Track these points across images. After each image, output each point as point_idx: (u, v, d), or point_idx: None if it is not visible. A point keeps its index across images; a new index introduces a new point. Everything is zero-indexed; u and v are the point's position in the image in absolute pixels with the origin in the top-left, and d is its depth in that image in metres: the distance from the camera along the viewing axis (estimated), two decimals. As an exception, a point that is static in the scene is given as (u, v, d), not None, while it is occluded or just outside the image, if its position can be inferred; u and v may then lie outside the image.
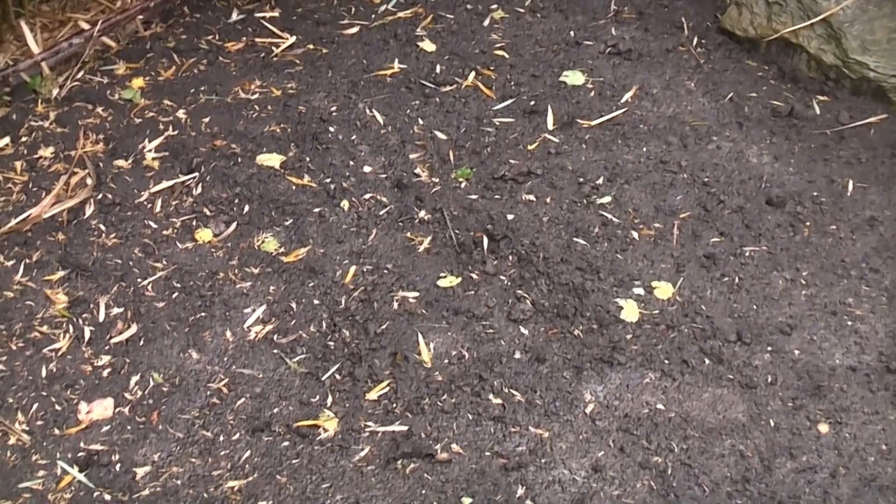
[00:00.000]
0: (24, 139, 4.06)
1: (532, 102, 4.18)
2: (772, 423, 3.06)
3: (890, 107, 4.20)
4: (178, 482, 3.03)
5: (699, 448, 2.97)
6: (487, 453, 2.98)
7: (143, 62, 4.48)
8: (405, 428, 3.11)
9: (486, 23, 4.57)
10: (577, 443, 2.99)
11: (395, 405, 3.12)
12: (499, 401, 3.12)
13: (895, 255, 3.65)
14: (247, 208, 3.76)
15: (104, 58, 4.47)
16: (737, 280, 3.46)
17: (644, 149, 3.95)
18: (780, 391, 3.12)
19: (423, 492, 2.87)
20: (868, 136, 4.03)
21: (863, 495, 2.85)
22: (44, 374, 3.34)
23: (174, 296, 3.48)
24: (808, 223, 3.65)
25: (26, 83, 4.27)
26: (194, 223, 3.72)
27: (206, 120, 4.12)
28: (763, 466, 2.92)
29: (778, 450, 2.98)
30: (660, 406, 3.09)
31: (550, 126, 4.09)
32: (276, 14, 4.70)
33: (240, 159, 3.92)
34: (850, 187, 3.83)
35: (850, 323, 3.32)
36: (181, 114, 4.17)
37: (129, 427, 3.18)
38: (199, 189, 3.83)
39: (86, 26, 4.46)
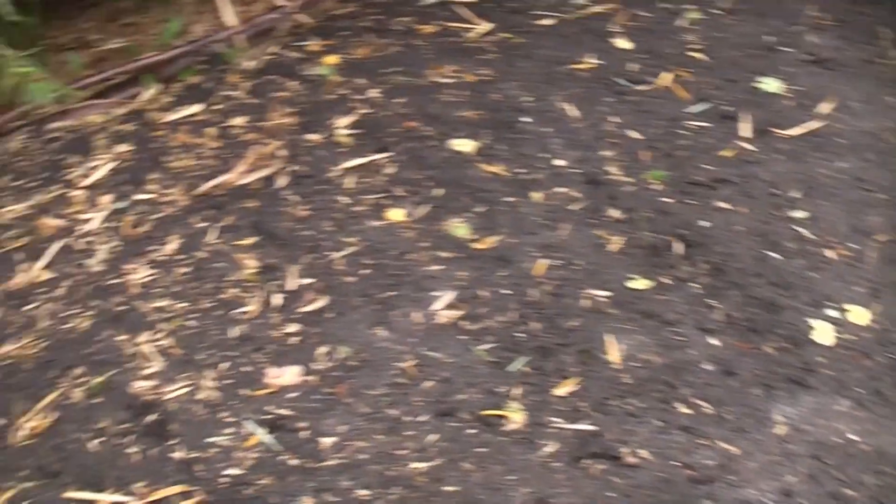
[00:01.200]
0: (216, 107, 4.13)
1: (727, 108, 4.12)
2: (975, 468, 2.90)
3: None
4: (364, 457, 3.09)
5: (893, 486, 2.94)
6: (675, 463, 3.00)
7: (336, 40, 4.52)
8: (593, 428, 3.15)
9: (682, 23, 4.53)
10: (766, 464, 3.02)
11: (583, 403, 3.18)
12: (687, 410, 3.16)
13: None
14: (439, 192, 3.77)
15: (298, 34, 4.53)
16: None
17: (841, 164, 3.90)
18: None
19: (611, 494, 2.88)
20: None
21: None
22: (233, 335, 3.44)
23: (364, 272, 3.58)
24: None
25: (221, 54, 4.33)
26: (386, 202, 3.77)
27: (400, 101, 4.15)
28: (963, 513, 2.80)
29: (980, 497, 2.84)
30: (852, 436, 3.10)
31: (746, 133, 4.04)
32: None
33: (433, 142, 3.96)
34: None
35: None
36: (374, 93, 4.21)
37: (316, 396, 3.26)
38: (392, 169, 3.87)
39: (282, 2, 4.51)
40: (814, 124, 4.08)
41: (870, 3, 4.75)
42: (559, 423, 3.06)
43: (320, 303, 3.52)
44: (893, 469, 2.91)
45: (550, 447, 3.03)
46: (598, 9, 4.66)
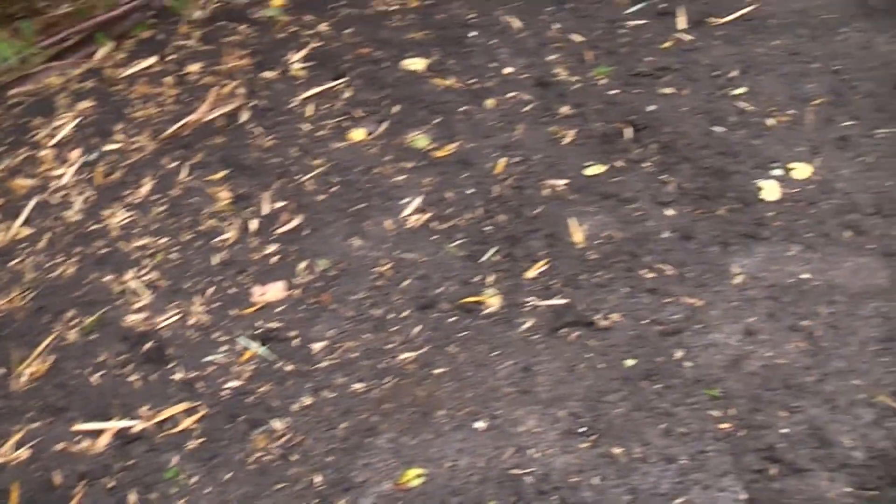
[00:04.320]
0: (170, 57, 4.32)
1: (663, 5, 4.38)
2: (915, 287, 3.12)
3: None
4: (354, 355, 3.25)
5: (845, 311, 3.18)
6: (645, 321, 3.18)
7: (281, -18, 4.63)
8: (566, 301, 3.31)
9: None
10: (728, 310, 3.20)
11: (553, 281, 3.35)
12: (651, 275, 3.32)
13: None
14: (396, 109, 4.00)
15: (244, -20, 4.65)
16: (871, 159, 3.68)
17: (775, 42, 4.12)
18: (922, 258, 3.22)
19: (589, 355, 3.08)
20: None
21: None
22: (215, 261, 3.61)
23: (333, 189, 3.74)
24: (940, 105, 3.74)
25: (170, 7, 4.51)
26: (346, 124, 3.98)
27: (349, 31, 4.36)
28: (908, 326, 3.02)
29: (923, 310, 3.06)
30: (805, 275, 3.29)
31: (682, 25, 4.26)
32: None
33: (386, 64, 4.16)
34: (980, 71, 3.88)
35: None
36: (323, 27, 4.39)
37: (301, 307, 3.41)
38: (349, 93, 4.07)
39: (225, -51, 4.68)
40: (747, 10, 4.27)
41: None
42: (533, 300, 3.25)
43: (295, 222, 3.66)
44: (844, 297, 3.13)
45: (528, 323, 3.21)
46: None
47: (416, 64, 4.10)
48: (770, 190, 3.48)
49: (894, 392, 2.88)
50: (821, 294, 3.21)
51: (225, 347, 3.35)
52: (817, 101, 3.80)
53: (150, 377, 3.29)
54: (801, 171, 3.51)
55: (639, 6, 4.24)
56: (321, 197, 3.62)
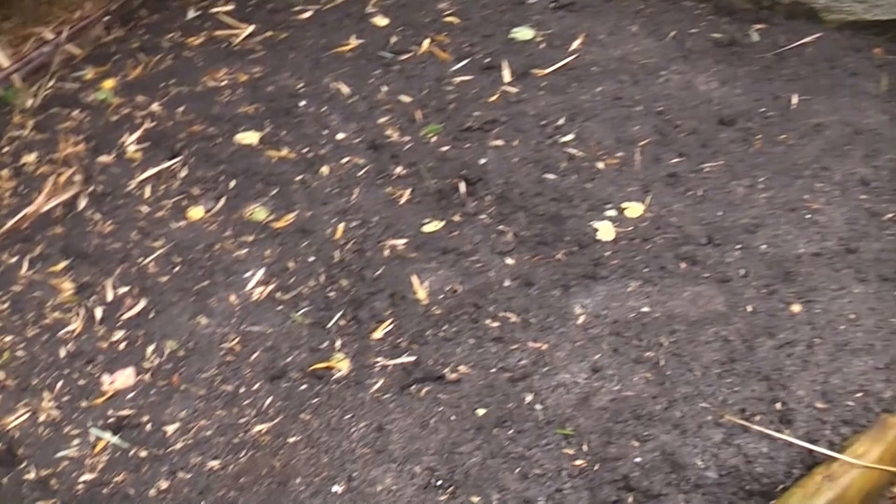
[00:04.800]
0: (5, 149, 4.28)
1: (487, 60, 4.48)
2: (749, 309, 3.34)
3: (823, 25, 4.49)
4: (208, 433, 3.20)
5: (686, 339, 3.25)
6: (493, 370, 3.22)
7: (110, 65, 4.70)
8: (413, 358, 3.33)
9: (433, -7, 4.83)
10: (574, 350, 3.25)
11: (400, 340, 3.36)
12: (496, 324, 3.37)
13: (843, 153, 3.92)
14: (233, 184, 4.01)
15: (72, 65, 4.69)
16: (700, 192, 3.76)
17: (599, 88, 4.25)
18: (753, 281, 3.41)
19: (440, 409, 3.12)
20: (806, 55, 4.38)
21: (838, 359, 3.15)
22: (63, 354, 3.53)
23: (176, 270, 3.72)
24: (759, 136, 3.97)
25: (1, 97, 4.46)
26: (185, 203, 3.97)
27: (181, 109, 4.37)
28: (746, 347, 3.20)
29: (758, 331, 3.25)
30: (645, 309, 3.35)
31: (507, 79, 4.38)
32: (230, 7, 5.04)
33: (219, 140, 4.18)
34: (795, 100, 4.16)
35: (808, 216, 3.64)
36: (155, 107, 4.40)
37: (152, 391, 3.36)
38: (185, 171, 4.08)
39: (50, 36, 4.67)
40: (568, 59, 4.40)
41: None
42: (382, 361, 3.28)
43: (140, 306, 3.60)
44: (684, 325, 3.23)
45: (378, 383, 3.23)
46: (352, -6, 4.91)
47: (250, 137, 4.12)
48: (605, 230, 3.55)
49: (740, 410, 2.91)
50: (662, 325, 3.26)
51: (77, 441, 3.27)
52: (644, 142, 3.90)
53: (1, 480, 3.18)
54: (634, 209, 3.61)
55: (464, 64, 4.28)
56: (164, 278, 3.58)
